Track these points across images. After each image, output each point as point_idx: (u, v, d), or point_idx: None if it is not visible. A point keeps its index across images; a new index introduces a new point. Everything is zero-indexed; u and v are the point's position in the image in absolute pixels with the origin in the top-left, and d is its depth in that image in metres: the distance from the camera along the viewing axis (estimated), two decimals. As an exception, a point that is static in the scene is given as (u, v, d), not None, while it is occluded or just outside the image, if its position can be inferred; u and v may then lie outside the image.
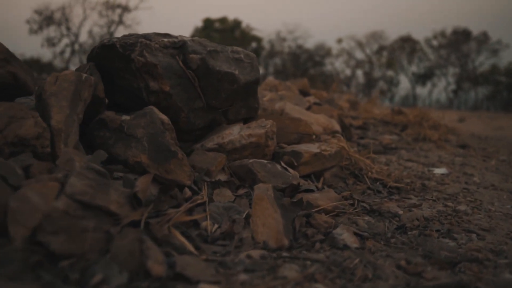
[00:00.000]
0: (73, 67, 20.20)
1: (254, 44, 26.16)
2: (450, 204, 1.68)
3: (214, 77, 1.73)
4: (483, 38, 30.77)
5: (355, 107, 5.91)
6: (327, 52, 31.45)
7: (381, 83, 35.70)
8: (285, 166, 1.65)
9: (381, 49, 35.06)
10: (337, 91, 6.56)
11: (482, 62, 31.94)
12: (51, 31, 20.46)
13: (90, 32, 19.80)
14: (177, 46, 1.71)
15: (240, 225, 1.20)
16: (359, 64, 33.80)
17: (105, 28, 21.49)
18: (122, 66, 1.61)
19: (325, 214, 1.37)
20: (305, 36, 38.17)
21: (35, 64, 19.64)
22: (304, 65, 32.54)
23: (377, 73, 35.64)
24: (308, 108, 3.05)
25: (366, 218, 1.43)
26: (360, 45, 33.38)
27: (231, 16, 27.16)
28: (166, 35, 1.76)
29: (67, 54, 20.17)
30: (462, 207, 1.63)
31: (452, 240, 1.26)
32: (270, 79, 3.74)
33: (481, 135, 4.79)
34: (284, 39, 30.35)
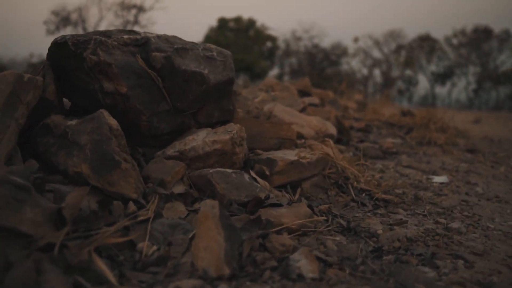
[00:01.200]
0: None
1: (269, 44, 25.97)
2: (442, 220, 1.47)
3: (180, 77, 1.58)
4: (505, 36, 29.79)
5: (363, 108, 5.68)
6: (343, 51, 31.00)
7: (399, 82, 35.02)
8: (254, 176, 1.48)
9: (399, 48, 34.38)
10: (347, 91, 6.32)
11: (504, 60, 30.93)
12: (68, 31, 20.72)
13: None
14: (139, 43, 1.56)
15: (181, 248, 1.03)
16: (376, 63, 33.23)
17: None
18: (76, 65, 1.47)
19: (289, 234, 1.20)
20: (321, 35, 37.75)
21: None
22: (320, 65, 32.19)
23: (395, 72, 34.98)
24: (303, 110, 2.87)
25: (338, 238, 1.24)
26: (377, 44, 32.79)
27: (246, 16, 27.04)
28: (130, 32, 1.61)
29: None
30: (455, 225, 1.43)
31: (433, 269, 1.06)
32: (268, 79, 3.57)
33: (495, 138, 4.49)
34: (299, 38, 30.07)
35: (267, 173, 1.53)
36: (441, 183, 2.06)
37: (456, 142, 3.31)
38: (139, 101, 1.52)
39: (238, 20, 22.88)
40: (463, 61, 32.55)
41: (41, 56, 20.16)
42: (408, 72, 34.61)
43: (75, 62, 1.46)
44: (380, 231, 1.29)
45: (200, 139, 1.48)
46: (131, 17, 21.66)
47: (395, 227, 1.35)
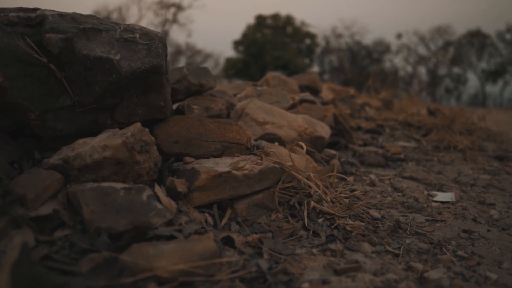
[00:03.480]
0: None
1: (308, 41, 25.29)
2: (418, 265, 1.01)
3: (80, 64, 1.22)
4: None
5: (388, 106, 5.10)
6: (386, 48, 29.66)
7: (446, 81, 33.03)
8: (158, 194, 1.09)
9: (447, 44, 32.39)
10: (387, 89, 5.73)
11: None
12: (108, 31, 21.28)
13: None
14: (33, 23, 1.22)
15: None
16: (421, 60, 31.53)
17: (159, 27, 21.90)
18: None
19: (159, 285, 0.80)
20: (362, 31, 36.40)
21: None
22: (361, 62, 31.07)
23: (442, 70, 33.02)
24: (292, 107, 2.43)
25: (235, 295, 0.83)
26: (423, 40, 31.09)
27: (284, 12, 26.50)
28: (26, 10, 1.28)
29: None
30: (435, 274, 0.97)
31: None
32: (270, 73, 3.16)
33: (539, 142, 3.78)
34: (340, 35, 29.10)
35: (180, 189, 1.14)
36: (444, 203, 1.57)
37: (483, 146, 2.73)
38: (24, 94, 1.18)
39: (275, 17, 22.40)
40: (517, 57, 30.07)
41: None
42: (456, 69, 32.55)
43: None
44: (306, 286, 0.86)
45: (92, 144, 1.11)
46: (170, 16, 21.86)
47: (338, 277, 0.92)
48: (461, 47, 31.85)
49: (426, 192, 1.68)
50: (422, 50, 31.71)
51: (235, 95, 2.41)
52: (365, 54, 31.58)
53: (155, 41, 1.35)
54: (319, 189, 1.38)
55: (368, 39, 34.06)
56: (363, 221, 1.26)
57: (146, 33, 1.36)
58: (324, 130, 2.19)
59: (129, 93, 1.33)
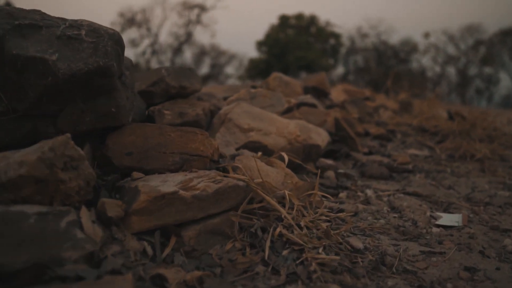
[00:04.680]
0: (154, 67, 20.96)
1: (332, 41, 24.78)
2: (395, 321, 0.78)
3: (11, 65, 1.06)
4: None
5: (407, 109, 4.78)
6: (413, 48, 28.75)
7: (477, 81, 31.70)
8: (81, 220, 0.90)
9: (477, 43, 31.09)
10: (392, 89, 5.41)
11: None
12: (132, 32, 21.54)
13: (169, 32, 20.30)
14: (-41, 17, 1.07)
15: None
16: (450, 60, 30.39)
17: (183, 28, 21.97)
18: None
19: None
20: (389, 31, 35.46)
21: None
22: (387, 62, 30.29)
23: (472, 70, 31.72)
24: (288, 111, 2.21)
25: None
26: (452, 39, 29.95)
27: (308, 12, 26.09)
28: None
29: (147, 54, 21.11)
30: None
31: None
32: (275, 73, 2.95)
33: None
34: (365, 35, 28.43)
35: (111, 213, 0.95)
36: (448, 228, 1.31)
37: (505, 156, 2.41)
38: None
39: (299, 17, 22.05)
40: (554, 56, 28.51)
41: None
42: (487, 69, 31.17)
43: None
44: None
45: (12, 159, 0.94)
46: (193, 17, 21.90)
47: None
48: (493, 46, 30.46)
49: (428, 213, 1.43)
50: (451, 50, 30.56)
51: (226, 98, 2.21)
52: (392, 54, 30.75)
53: (103, 39, 1.17)
54: (293, 211, 1.16)
55: (394, 39, 33.16)
56: (340, 254, 1.03)
57: (94, 29, 1.18)
58: (320, 137, 1.96)
59: (74, 98, 1.16)
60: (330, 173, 1.80)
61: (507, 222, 1.39)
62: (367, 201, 1.53)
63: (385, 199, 1.57)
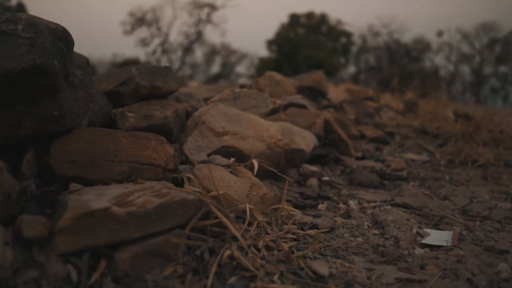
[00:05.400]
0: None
1: (343, 40, 24.45)
2: None
3: None
4: None
5: (412, 109, 4.57)
6: (426, 47, 28.21)
7: (492, 80, 30.98)
8: (-13, 244, 0.77)
9: (493, 42, 30.37)
10: (397, 89, 5.20)
11: None
12: (142, 31, 21.54)
13: (179, 31, 20.19)
14: None
15: None
16: (462, 58, 29.75)
17: (193, 28, 21.90)
18: None
19: None
20: (401, 29, 34.94)
21: (134, 64, 20.77)
22: (400, 61, 29.84)
23: (487, 69, 31.01)
24: (274, 112, 2.06)
25: None
26: (466, 37, 29.31)
27: (318, 11, 25.81)
28: None
29: (158, 53, 21.10)
30: None
31: None
32: (268, 73, 2.80)
33: None
34: (377, 34, 28.01)
35: (28, 233, 0.82)
36: (435, 248, 1.15)
37: (511, 161, 2.21)
38: None
39: (309, 15, 21.79)
40: None
41: (123, 55, 21.31)
42: (503, 68, 30.41)
43: None
44: None
45: None
46: (204, 16, 21.82)
47: None
48: (509, 44, 29.69)
49: (415, 229, 1.27)
50: (465, 48, 29.90)
51: (207, 99, 2.08)
52: (404, 52, 30.25)
53: (42, 34, 1.04)
54: (253, 228, 1.01)
55: (407, 37, 32.62)
56: (297, 282, 0.88)
57: (33, 23, 1.05)
58: (305, 141, 1.81)
59: (10, 100, 1.03)
60: (313, 181, 1.65)
61: (504, 242, 1.22)
62: (348, 214, 1.37)
63: (369, 211, 1.41)
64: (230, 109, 1.75)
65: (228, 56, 27.86)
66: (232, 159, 1.49)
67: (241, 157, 1.58)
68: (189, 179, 1.11)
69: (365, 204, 1.47)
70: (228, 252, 0.91)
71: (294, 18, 21.80)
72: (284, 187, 1.60)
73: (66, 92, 1.12)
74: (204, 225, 1.01)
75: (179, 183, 1.16)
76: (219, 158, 1.50)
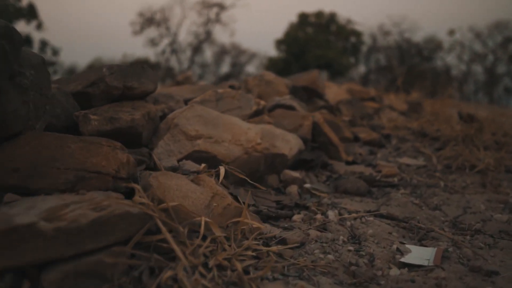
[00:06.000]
0: (173, 66, 21.06)
1: (353, 39, 24.15)
2: None
3: None
4: None
5: (416, 109, 4.42)
6: (438, 46, 27.74)
7: (506, 79, 30.33)
8: None
9: (506, 41, 29.73)
10: (402, 89, 5.03)
11: None
12: (151, 31, 21.56)
13: (188, 31, 20.11)
14: None
15: None
16: (476, 58, 29.17)
17: (201, 27, 21.85)
18: None
19: None
20: (412, 28, 34.45)
21: (144, 64, 20.86)
22: (411, 61, 29.44)
23: (501, 68, 30.36)
24: (257, 114, 1.94)
25: None
26: (479, 36, 28.74)
27: (327, 10, 25.53)
28: None
29: (167, 53, 21.10)
30: None
31: None
32: (265, 72, 2.69)
33: None
34: (387, 33, 27.65)
35: None
36: (414, 268, 1.03)
37: (514, 168, 2.06)
38: None
39: (319, 15, 21.56)
40: None
41: (133, 55, 21.37)
42: (517, 67, 29.75)
43: None
44: None
45: None
46: (213, 15, 21.76)
47: None
48: (524, 43, 29.01)
49: (396, 245, 1.14)
50: (478, 47, 29.30)
51: (189, 100, 1.97)
52: (415, 52, 29.82)
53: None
54: (209, 243, 0.91)
55: (418, 36, 32.14)
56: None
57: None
58: (287, 145, 1.70)
59: None
60: (293, 188, 1.53)
61: (495, 260, 1.09)
62: (324, 227, 1.25)
63: (349, 223, 1.29)
64: (208, 111, 1.65)
65: (237, 56, 27.77)
66: (203, 165, 1.39)
67: (215, 163, 1.48)
68: (147, 187, 1.01)
69: (346, 215, 1.36)
70: (169, 273, 0.81)
71: (303, 18, 21.60)
72: (262, 195, 1.49)
73: (8, 93, 1.03)
74: (152, 240, 0.91)
75: (133, 193, 1.06)
76: (189, 164, 1.40)
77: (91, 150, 1.05)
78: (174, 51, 21.31)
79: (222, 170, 1.22)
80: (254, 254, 0.98)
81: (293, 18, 27.78)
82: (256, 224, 1.06)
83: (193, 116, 1.59)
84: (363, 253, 1.09)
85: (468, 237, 1.25)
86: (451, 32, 26.82)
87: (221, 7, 21.52)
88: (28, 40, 16.39)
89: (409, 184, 1.77)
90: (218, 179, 1.27)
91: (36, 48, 16.41)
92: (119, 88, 1.57)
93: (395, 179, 1.82)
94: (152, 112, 1.57)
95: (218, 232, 0.99)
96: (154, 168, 1.39)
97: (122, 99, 1.64)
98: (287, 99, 2.21)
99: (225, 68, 26.99)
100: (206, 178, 1.15)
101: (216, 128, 1.58)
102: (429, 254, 1.09)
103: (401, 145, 2.44)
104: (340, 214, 1.38)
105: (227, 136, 1.56)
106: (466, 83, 29.64)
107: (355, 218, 1.34)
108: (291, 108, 2.16)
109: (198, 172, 1.37)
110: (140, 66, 1.72)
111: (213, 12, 21.70)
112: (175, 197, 1.03)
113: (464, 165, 1.98)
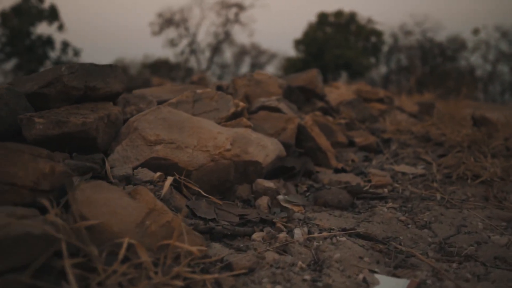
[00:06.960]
0: (192, 66, 21.06)
1: (373, 39, 23.61)
2: None
3: None
4: None
5: (428, 111, 4.16)
6: (461, 45, 26.83)
7: (534, 80, 29.06)
8: None
9: (535, 39, 28.47)
10: (415, 89, 4.76)
11: None
12: (170, 32, 21.64)
13: (207, 32, 20.10)
14: None
15: None
16: (502, 57, 28.07)
17: (220, 28, 21.79)
18: None
19: None
20: (435, 28, 33.48)
21: (164, 65, 21.08)
22: (433, 61, 28.60)
23: (528, 68, 29.10)
24: (235, 117, 1.78)
25: None
26: (505, 35, 27.65)
27: (347, 9, 25.08)
28: None
29: (186, 54, 21.14)
30: None
31: None
32: (258, 71, 2.53)
33: None
34: (409, 32, 26.94)
35: None
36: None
37: (524, 178, 1.83)
38: None
39: (338, 14, 21.16)
40: None
41: (154, 56, 21.53)
42: (546, 67, 28.46)
43: None
44: None
45: None
46: (232, 16, 21.67)
47: None
48: (553, 42, 27.71)
49: (363, 275, 0.97)
50: (504, 47, 28.18)
51: (166, 101, 1.84)
52: (438, 52, 28.95)
53: None
54: (120, 270, 0.76)
55: (441, 36, 31.21)
56: None
57: None
58: (263, 152, 1.53)
59: None
60: (263, 200, 1.37)
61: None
62: (285, 248, 1.09)
63: (316, 244, 1.12)
64: (175, 114, 1.51)
65: (257, 56, 27.64)
66: (158, 174, 1.25)
67: (176, 171, 1.33)
68: (74, 202, 0.88)
69: (316, 234, 1.18)
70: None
71: (323, 17, 21.26)
72: (227, 208, 1.34)
73: None
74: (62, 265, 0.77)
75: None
76: (143, 173, 1.26)
77: (9, 158, 0.92)
78: (193, 52, 21.35)
79: (167, 181, 1.07)
80: (182, 284, 0.82)
81: (312, 18, 27.41)
82: (187, 247, 0.90)
83: (156, 119, 1.45)
84: (320, 285, 0.92)
85: (454, 265, 1.05)
86: (476, 31, 25.89)
87: (240, 7, 21.42)
88: (50, 41, 16.77)
89: (400, 196, 1.58)
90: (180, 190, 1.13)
91: (58, 49, 16.71)
92: (79, 88, 1.45)
93: (386, 190, 1.63)
94: (113, 114, 1.44)
95: (144, 256, 0.84)
96: (105, 177, 1.25)
97: (85, 101, 1.52)
98: (273, 100, 2.04)
99: (244, 68, 26.92)
100: (144, 190, 1.00)
101: (181, 132, 1.43)
102: (401, 285, 0.91)
103: (401, 150, 2.23)
104: (310, 232, 1.21)
105: (192, 142, 1.41)
106: (492, 83, 28.60)
107: (325, 238, 1.16)
108: (276, 110, 1.99)
109: (151, 182, 1.23)
110: (108, 65, 1.60)
111: (232, 13, 21.63)
112: (100, 214, 0.88)
113: (466, 175, 1.77)
